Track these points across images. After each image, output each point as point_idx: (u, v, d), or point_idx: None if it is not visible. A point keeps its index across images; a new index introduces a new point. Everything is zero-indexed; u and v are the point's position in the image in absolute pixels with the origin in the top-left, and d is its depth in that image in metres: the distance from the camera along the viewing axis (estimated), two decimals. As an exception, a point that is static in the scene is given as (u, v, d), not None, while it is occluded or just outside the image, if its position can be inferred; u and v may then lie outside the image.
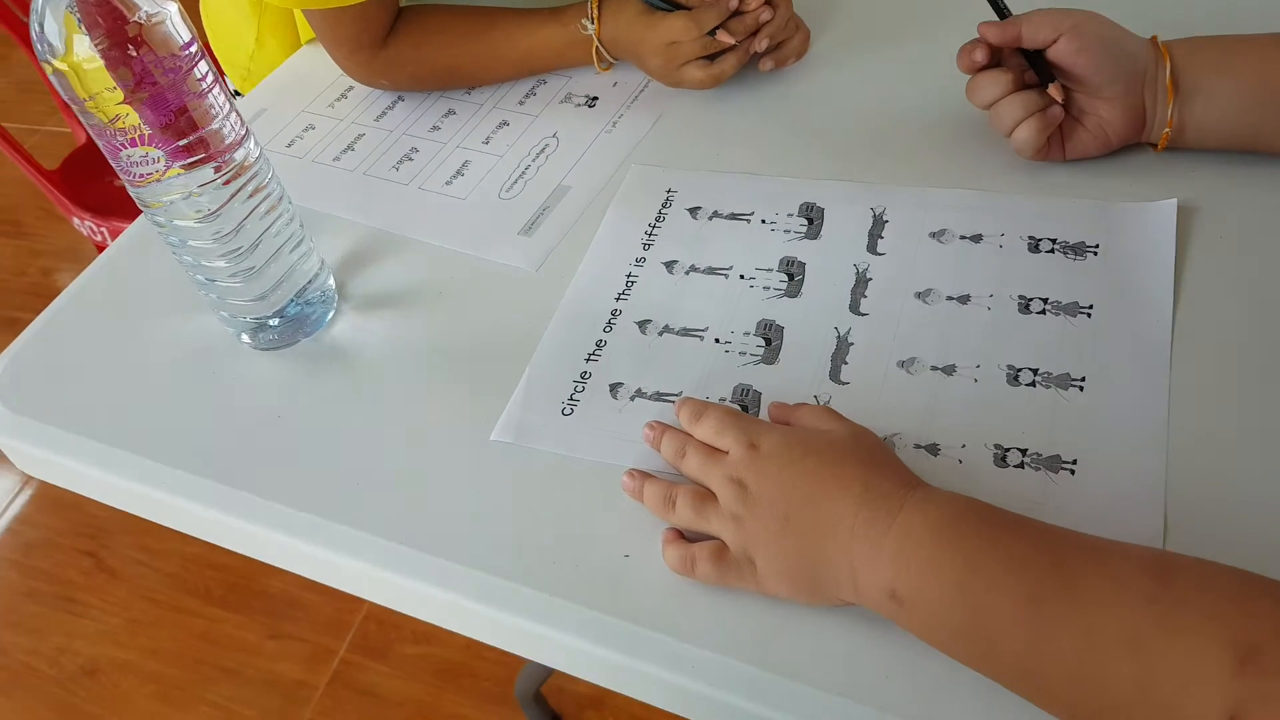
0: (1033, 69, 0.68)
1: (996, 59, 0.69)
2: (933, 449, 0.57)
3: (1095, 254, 0.65)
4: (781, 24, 0.81)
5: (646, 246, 0.72)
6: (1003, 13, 0.69)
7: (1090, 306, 0.62)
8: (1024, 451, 0.56)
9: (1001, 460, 0.56)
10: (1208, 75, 0.64)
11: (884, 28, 0.87)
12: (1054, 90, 0.67)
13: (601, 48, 0.84)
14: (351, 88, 0.91)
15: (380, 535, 0.58)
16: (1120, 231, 0.65)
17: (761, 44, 0.80)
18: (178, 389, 0.68)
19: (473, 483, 0.60)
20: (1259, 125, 0.64)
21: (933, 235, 0.68)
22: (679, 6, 0.80)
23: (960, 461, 0.56)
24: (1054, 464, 0.55)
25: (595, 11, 0.83)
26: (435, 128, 0.86)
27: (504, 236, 0.75)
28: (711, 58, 0.81)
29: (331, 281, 0.72)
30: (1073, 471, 0.55)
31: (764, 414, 0.60)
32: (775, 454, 0.53)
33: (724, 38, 0.79)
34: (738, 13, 0.80)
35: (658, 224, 0.73)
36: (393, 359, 0.68)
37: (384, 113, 0.88)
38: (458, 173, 0.81)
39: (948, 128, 0.75)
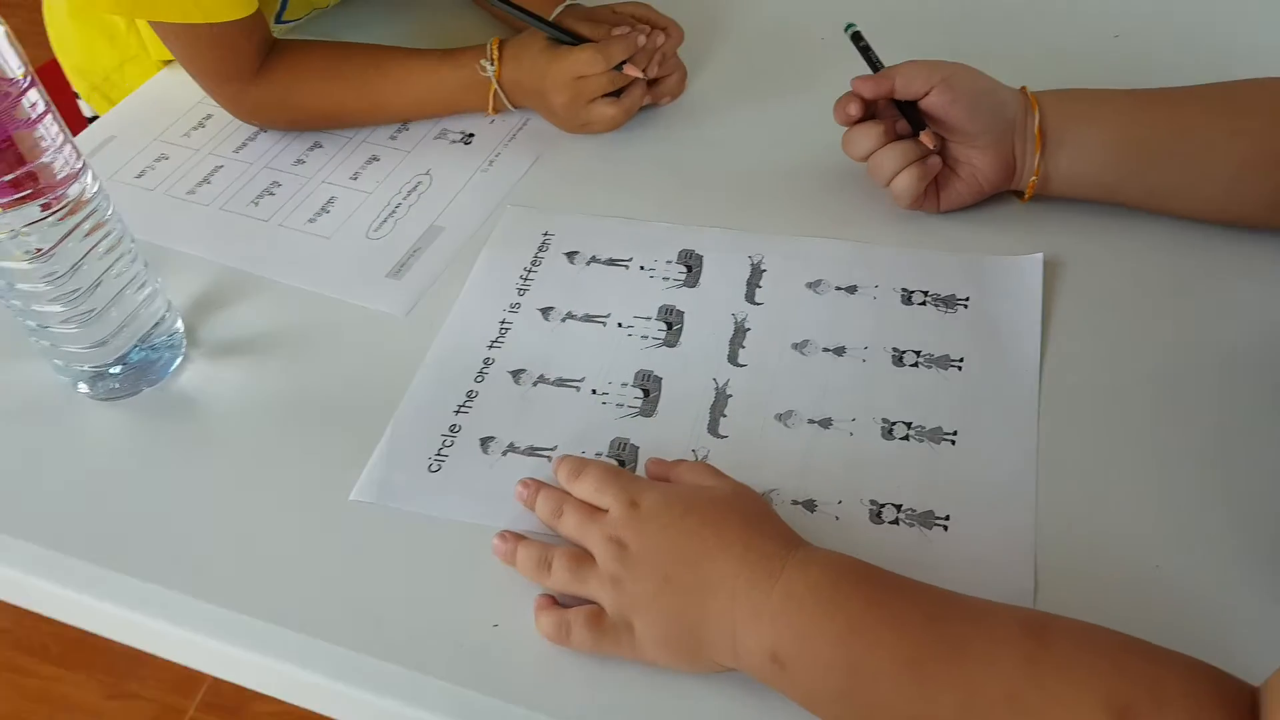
0: (906, 119, 0.69)
1: (871, 110, 0.70)
2: (810, 505, 0.56)
3: (966, 306, 0.65)
4: (670, 54, 0.81)
5: (522, 292, 0.69)
6: (875, 65, 0.70)
7: (961, 359, 0.62)
8: (898, 507, 0.56)
9: (877, 516, 0.56)
10: (1074, 126, 0.66)
11: (764, 73, 0.87)
12: (926, 138, 0.68)
13: (501, 92, 0.81)
14: (210, 115, 0.86)
15: (229, 607, 0.54)
16: (989, 284, 0.66)
17: (653, 71, 0.79)
18: (5, 445, 0.62)
19: (329, 547, 0.56)
20: (1122, 178, 0.67)
21: (809, 285, 0.68)
22: (584, 39, 0.78)
23: (837, 518, 0.56)
24: (927, 520, 0.55)
25: (496, 52, 0.79)
26: (299, 161, 0.82)
27: (371, 279, 0.72)
28: (615, 94, 0.79)
29: (180, 325, 0.67)
30: (946, 527, 0.55)
31: (642, 469, 0.59)
32: (656, 513, 0.51)
33: (632, 70, 0.78)
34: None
35: (534, 268, 0.71)
36: (246, 410, 0.64)
37: (244, 144, 0.84)
38: (323, 210, 0.77)
39: (824, 177, 0.75)
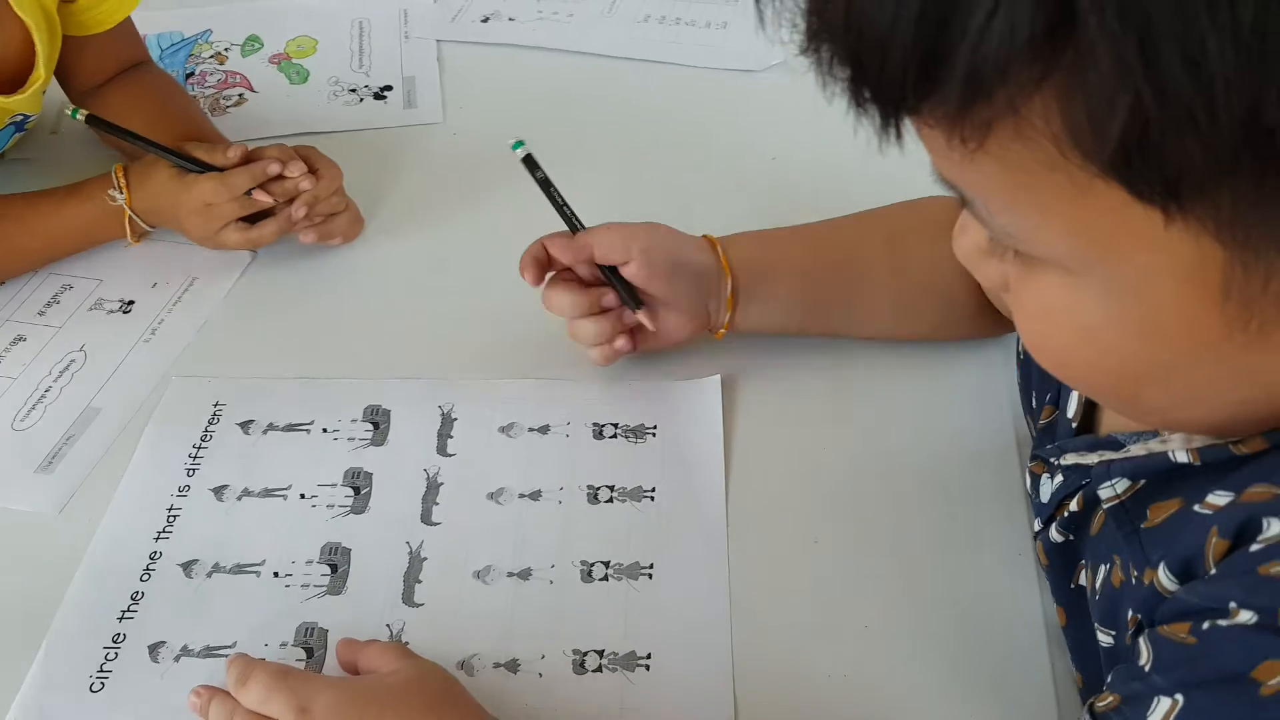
0: (608, 281, 0.66)
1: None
2: (512, 665, 0.55)
3: (654, 435, 0.67)
4: (325, 194, 0.79)
5: (191, 472, 0.64)
6: (573, 224, 0.67)
7: (654, 489, 0.63)
8: (600, 653, 0.55)
9: (580, 666, 0.55)
10: (761, 286, 0.67)
11: (443, 212, 0.86)
12: (644, 318, 0.66)
13: (136, 218, 0.79)
14: None
15: None
16: (673, 410, 0.68)
17: (299, 211, 0.77)
18: None
19: None
20: (801, 320, 0.69)
21: (502, 429, 0.67)
22: (210, 168, 0.77)
23: (540, 675, 0.55)
24: (629, 662, 0.55)
25: (122, 180, 0.78)
26: None
27: (16, 476, 0.65)
28: (254, 219, 0.77)
29: None
30: (648, 667, 0.55)
31: (332, 654, 0.55)
32: (330, 715, 0.48)
33: (260, 197, 0.76)
34: (280, 176, 0.77)
35: (204, 444, 0.66)
36: None
37: None
38: None
39: (512, 313, 0.74)
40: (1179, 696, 0.36)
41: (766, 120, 0.94)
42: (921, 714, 0.53)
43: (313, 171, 0.78)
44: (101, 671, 0.54)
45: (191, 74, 1.03)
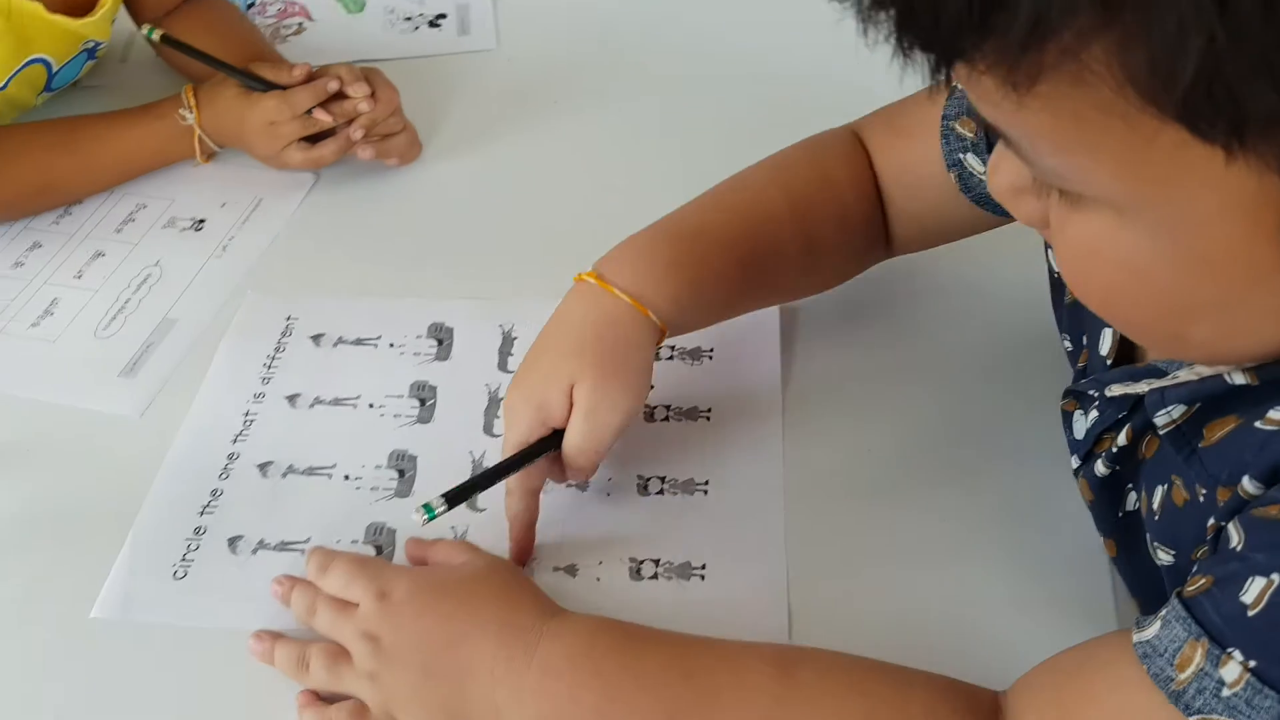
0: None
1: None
2: (571, 570, 0.57)
3: (710, 358, 0.68)
4: (382, 116, 0.81)
5: (266, 381, 0.67)
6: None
7: (709, 410, 0.65)
8: (657, 562, 0.57)
9: (637, 573, 0.57)
10: (686, 321, 0.60)
11: (494, 135, 0.87)
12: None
13: (205, 137, 0.81)
14: (-90, 221, 0.80)
15: None
16: (730, 337, 0.69)
17: (357, 132, 0.79)
18: None
19: (74, 669, 0.53)
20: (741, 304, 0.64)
21: (561, 349, 0.69)
22: (275, 86, 0.79)
23: (599, 579, 0.57)
24: (685, 571, 0.57)
25: (192, 100, 0.80)
26: (18, 264, 0.77)
27: (102, 380, 0.68)
28: (316, 140, 0.80)
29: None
30: (703, 577, 0.57)
31: (400, 552, 0.58)
32: (407, 601, 0.50)
33: (320, 115, 0.79)
34: (341, 96, 0.79)
35: (278, 355, 0.69)
36: None
37: None
38: (46, 312, 0.73)
39: (567, 236, 0.74)
40: (1275, 576, 0.35)
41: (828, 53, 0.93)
42: (974, 625, 0.54)
43: (371, 94, 0.80)
44: (184, 561, 0.57)
45: (252, 4, 1.04)
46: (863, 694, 0.45)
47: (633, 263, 0.59)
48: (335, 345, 0.69)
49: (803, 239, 0.62)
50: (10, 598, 0.56)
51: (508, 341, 0.70)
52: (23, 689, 0.52)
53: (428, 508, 0.53)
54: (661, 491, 0.61)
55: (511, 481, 0.56)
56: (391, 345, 0.69)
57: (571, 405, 0.55)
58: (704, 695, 0.46)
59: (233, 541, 0.58)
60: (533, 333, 0.69)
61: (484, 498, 0.61)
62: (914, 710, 0.44)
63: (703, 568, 0.57)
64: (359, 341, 0.70)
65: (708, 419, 0.65)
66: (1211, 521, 0.40)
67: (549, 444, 0.56)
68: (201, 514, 0.60)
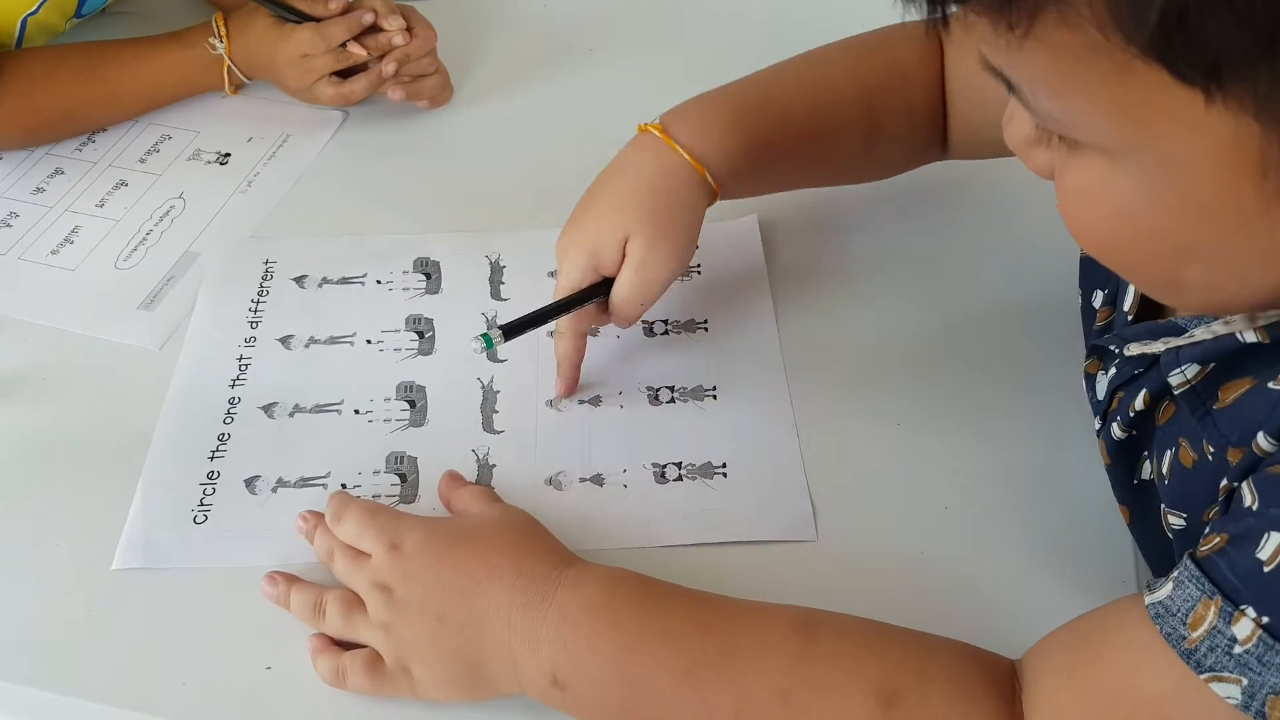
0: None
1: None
2: (598, 480, 0.58)
3: (699, 273, 0.70)
4: (417, 54, 0.79)
5: (254, 324, 0.66)
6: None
7: (706, 321, 0.66)
8: (679, 465, 0.59)
9: (661, 477, 0.58)
10: (741, 189, 0.63)
11: (526, 82, 0.86)
12: None
13: (234, 68, 0.79)
14: (-67, 148, 0.76)
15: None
16: (714, 251, 0.71)
17: (389, 68, 0.78)
18: None
19: (93, 608, 0.52)
20: (793, 179, 0.67)
21: (551, 275, 0.69)
22: (309, 18, 0.77)
23: (625, 486, 0.58)
24: (707, 470, 0.58)
25: (222, 29, 0.78)
26: (39, 189, 0.75)
27: (121, 311, 0.67)
28: (348, 75, 0.78)
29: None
30: (725, 474, 0.58)
31: (425, 478, 0.58)
32: (419, 551, 0.49)
33: (354, 49, 0.77)
34: (375, 29, 0.78)
35: (261, 298, 0.67)
36: None
37: None
38: (66, 240, 0.72)
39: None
40: None
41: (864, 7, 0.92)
42: (991, 589, 0.53)
43: (408, 29, 0.79)
44: (201, 506, 0.56)
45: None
46: (881, 656, 0.45)
47: (698, 122, 0.60)
48: (320, 286, 0.68)
49: (865, 125, 0.64)
50: (31, 531, 0.55)
51: (497, 270, 0.69)
52: (42, 623, 0.52)
53: (486, 338, 0.57)
54: (673, 400, 0.62)
55: (562, 324, 0.60)
56: (379, 282, 0.68)
57: (623, 257, 0.58)
58: (723, 650, 0.45)
59: (250, 482, 0.57)
60: (521, 262, 0.70)
61: (499, 421, 0.61)
62: (933, 672, 0.44)
63: (723, 466, 0.59)
64: (344, 281, 0.68)
65: (705, 329, 0.66)
66: (1225, 483, 0.40)
67: (599, 290, 0.59)
68: (212, 459, 0.58)
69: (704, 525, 0.56)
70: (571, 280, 0.59)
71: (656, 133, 0.60)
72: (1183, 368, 0.43)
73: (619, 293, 0.59)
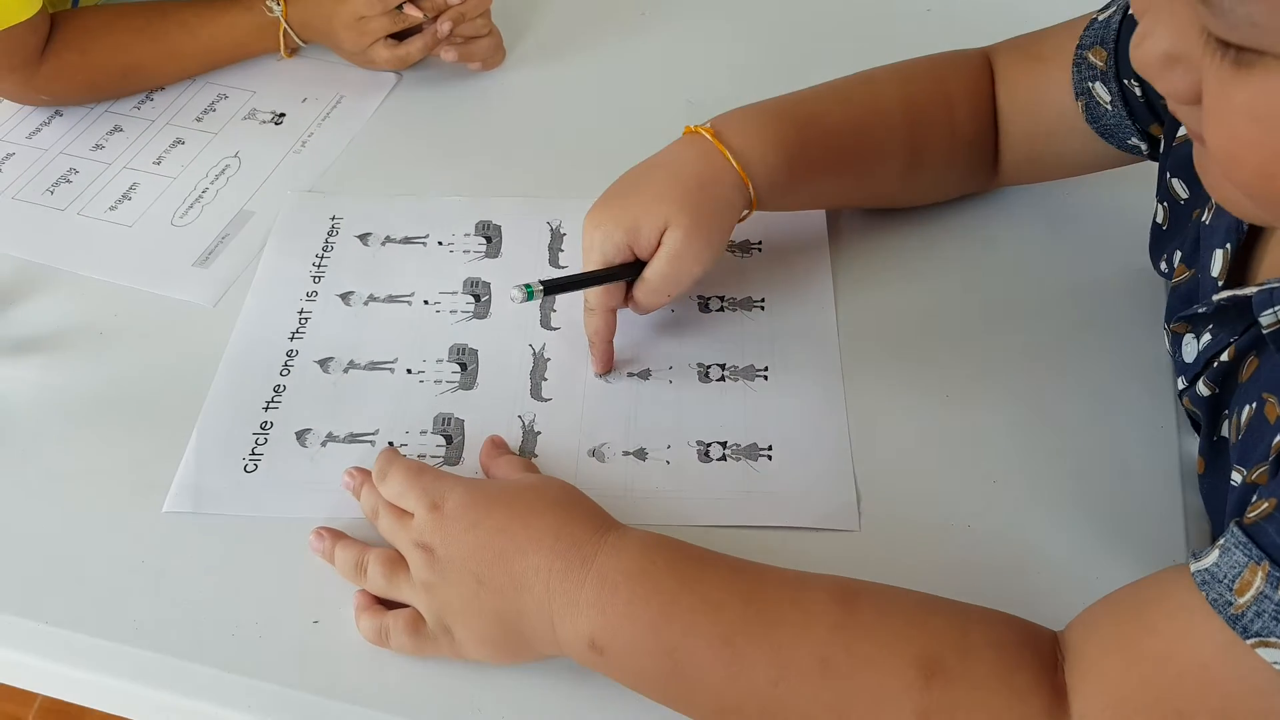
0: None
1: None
2: (640, 454, 0.58)
3: (760, 250, 0.69)
4: (472, 14, 0.80)
5: (317, 279, 0.67)
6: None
7: (763, 300, 0.66)
8: (724, 444, 0.58)
9: (705, 455, 0.58)
10: (780, 202, 0.63)
11: (579, 47, 0.86)
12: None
13: (291, 31, 0.81)
14: None
15: (49, 623, 0.51)
16: (778, 229, 0.70)
17: (444, 26, 0.78)
18: None
19: (145, 554, 0.54)
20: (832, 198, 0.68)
21: (611, 245, 0.69)
22: None
23: (668, 462, 0.57)
24: (753, 452, 0.58)
25: None
26: (98, 146, 0.77)
27: (177, 268, 0.68)
28: (403, 37, 0.79)
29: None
30: (770, 457, 0.57)
31: (470, 441, 0.58)
32: (460, 513, 0.49)
33: (410, 10, 0.78)
34: None
35: (325, 254, 0.68)
36: (45, 412, 0.60)
37: (38, 129, 0.79)
38: (124, 197, 0.73)
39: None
40: None
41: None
42: (1032, 554, 0.53)
43: None
44: (253, 455, 0.57)
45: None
46: (922, 626, 0.44)
47: (748, 131, 0.61)
48: (384, 244, 0.69)
49: (909, 147, 0.64)
50: (86, 479, 0.57)
51: (557, 238, 0.69)
52: (94, 567, 0.53)
53: (528, 288, 0.58)
54: (723, 378, 0.61)
55: (592, 299, 0.60)
56: (440, 244, 0.69)
57: (659, 245, 0.58)
58: (763, 619, 0.45)
59: (301, 435, 0.58)
60: (581, 228, 0.69)
61: (548, 389, 0.61)
62: (975, 643, 0.43)
63: (769, 449, 0.58)
64: (406, 240, 0.69)
65: (762, 308, 0.65)
66: (1277, 440, 0.40)
67: (629, 270, 0.59)
68: (266, 409, 0.60)
69: (744, 507, 0.55)
70: (605, 254, 0.59)
71: (708, 135, 0.60)
72: (1275, 308, 0.42)
73: (650, 279, 0.59)
